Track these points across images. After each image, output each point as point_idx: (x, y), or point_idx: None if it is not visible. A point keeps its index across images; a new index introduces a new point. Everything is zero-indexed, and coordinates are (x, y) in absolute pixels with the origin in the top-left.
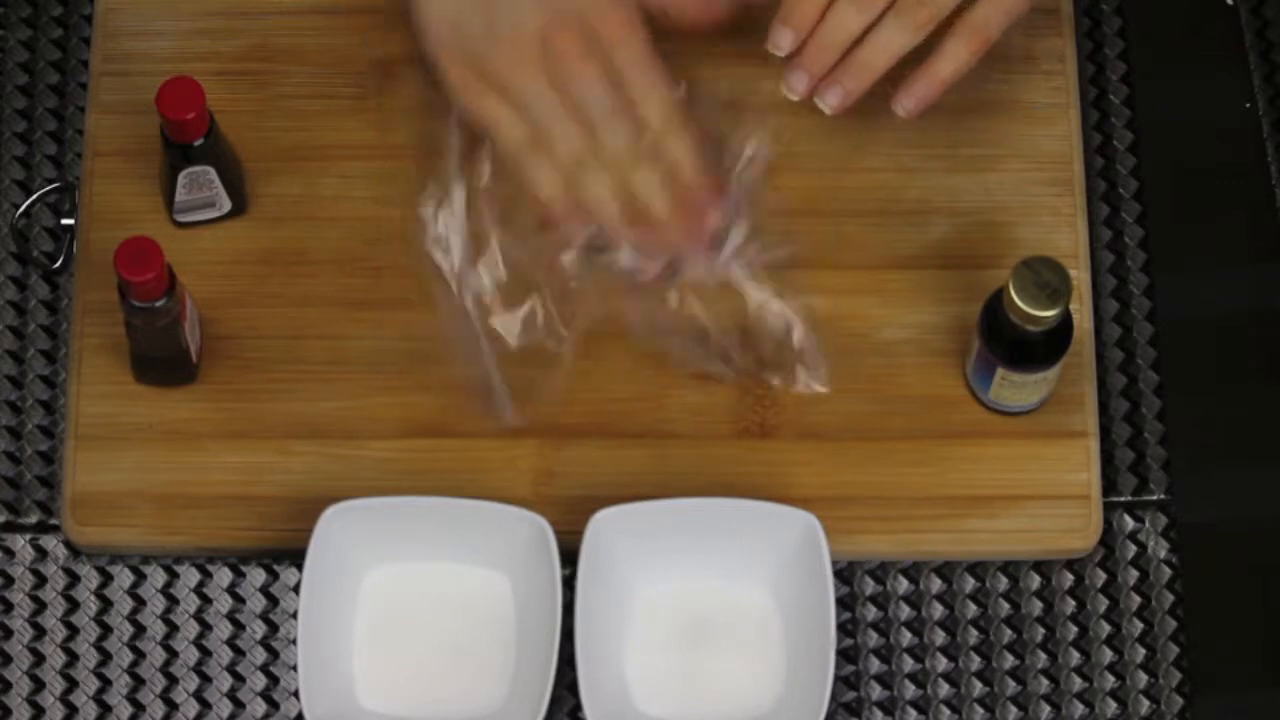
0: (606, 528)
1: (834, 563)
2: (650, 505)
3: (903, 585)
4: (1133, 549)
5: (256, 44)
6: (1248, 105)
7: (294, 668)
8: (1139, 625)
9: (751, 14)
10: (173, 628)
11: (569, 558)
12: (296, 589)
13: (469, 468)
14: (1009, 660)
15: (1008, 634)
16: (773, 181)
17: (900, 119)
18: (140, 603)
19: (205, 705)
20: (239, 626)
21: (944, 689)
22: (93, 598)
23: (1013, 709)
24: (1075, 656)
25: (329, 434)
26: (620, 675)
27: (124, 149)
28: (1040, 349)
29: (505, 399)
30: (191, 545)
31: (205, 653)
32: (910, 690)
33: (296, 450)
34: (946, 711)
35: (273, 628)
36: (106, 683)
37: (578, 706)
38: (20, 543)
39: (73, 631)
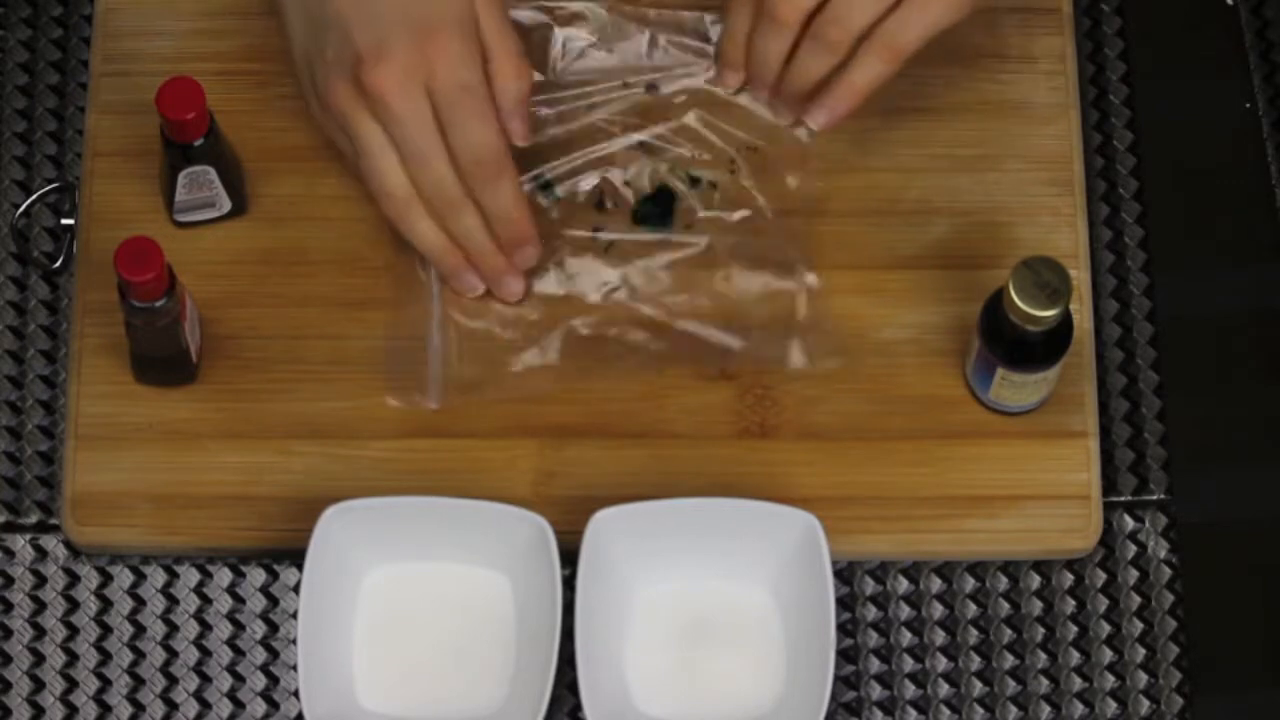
0: (606, 528)
1: (834, 563)
2: (650, 505)
3: (903, 585)
4: (1133, 549)
5: (256, 44)
6: (1248, 105)
7: (294, 668)
8: (1139, 625)
9: None
10: (173, 628)
11: (569, 558)
12: (296, 589)
13: (469, 468)
14: (1009, 660)
15: (1008, 634)
16: (774, 181)
17: (899, 120)
18: (140, 603)
19: (205, 705)
20: (239, 626)
21: (944, 689)
22: (93, 598)
23: (1013, 709)
24: (1075, 656)
25: (329, 434)
26: (620, 675)
27: (124, 149)
28: (1040, 349)
29: (438, 383)
30: (191, 545)
31: (205, 653)
32: (910, 690)
33: (296, 450)
34: (946, 711)
35: (273, 628)
36: (106, 683)
37: (578, 706)
38: (20, 543)
39: (73, 631)
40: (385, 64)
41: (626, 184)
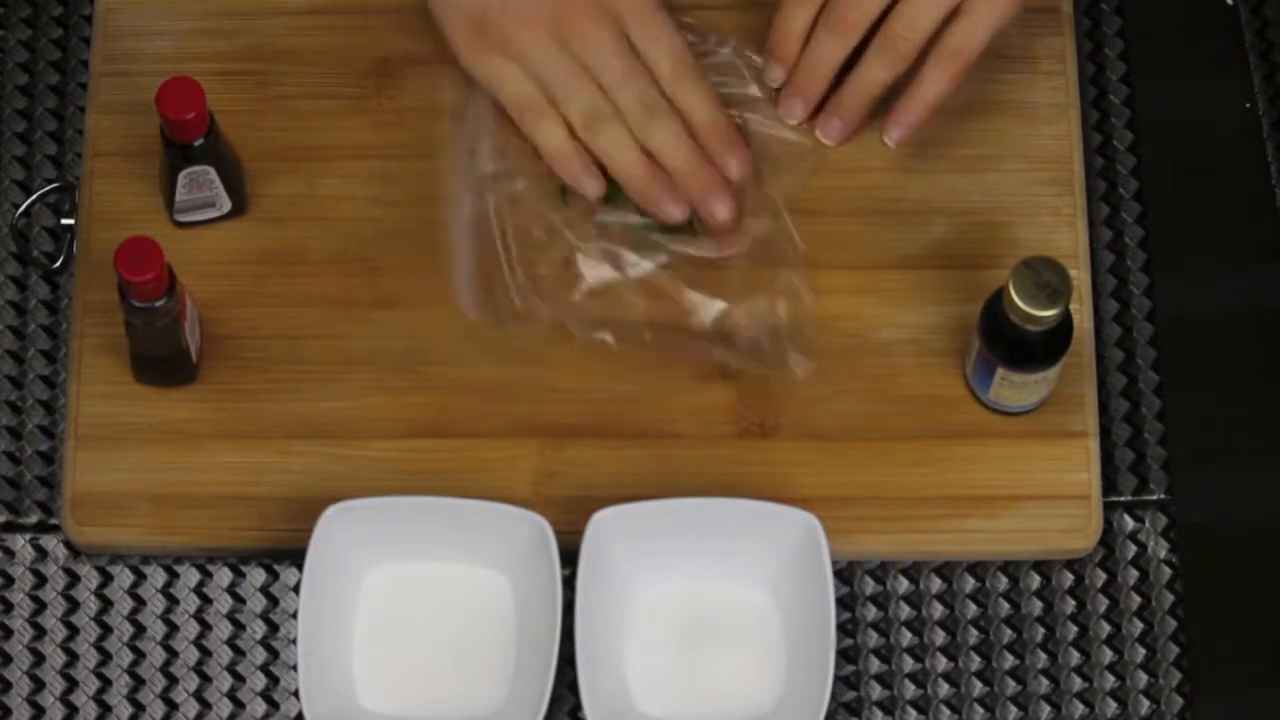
0: (606, 528)
1: (834, 563)
2: (650, 505)
3: (903, 585)
4: (1133, 549)
5: (256, 44)
6: (1248, 105)
7: (294, 668)
8: (1139, 625)
9: None
10: (173, 628)
11: (569, 558)
12: (296, 589)
13: (469, 468)
14: (1009, 660)
15: (1008, 634)
16: (773, 181)
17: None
18: (140, 603)
19: (205, 705)
20: (239, 626)
21: (944, 689)
22: (93, 598)
23: (1013, 709)
24: (1075, 656)
25: (329, 434)
26: (620, 675)
27: (124, 149)
28: (1040, 349)
29: (515, 290)
30: (191, 545)
31: (205, 653)
32: (910, 690)
33: (296, 450)
34: (946, 711)
35: (273, 628)
36: (106, 683)
37: (578, 706)
38: (20, 543)
39: (73, 631)
40: (581, 6)
41: None
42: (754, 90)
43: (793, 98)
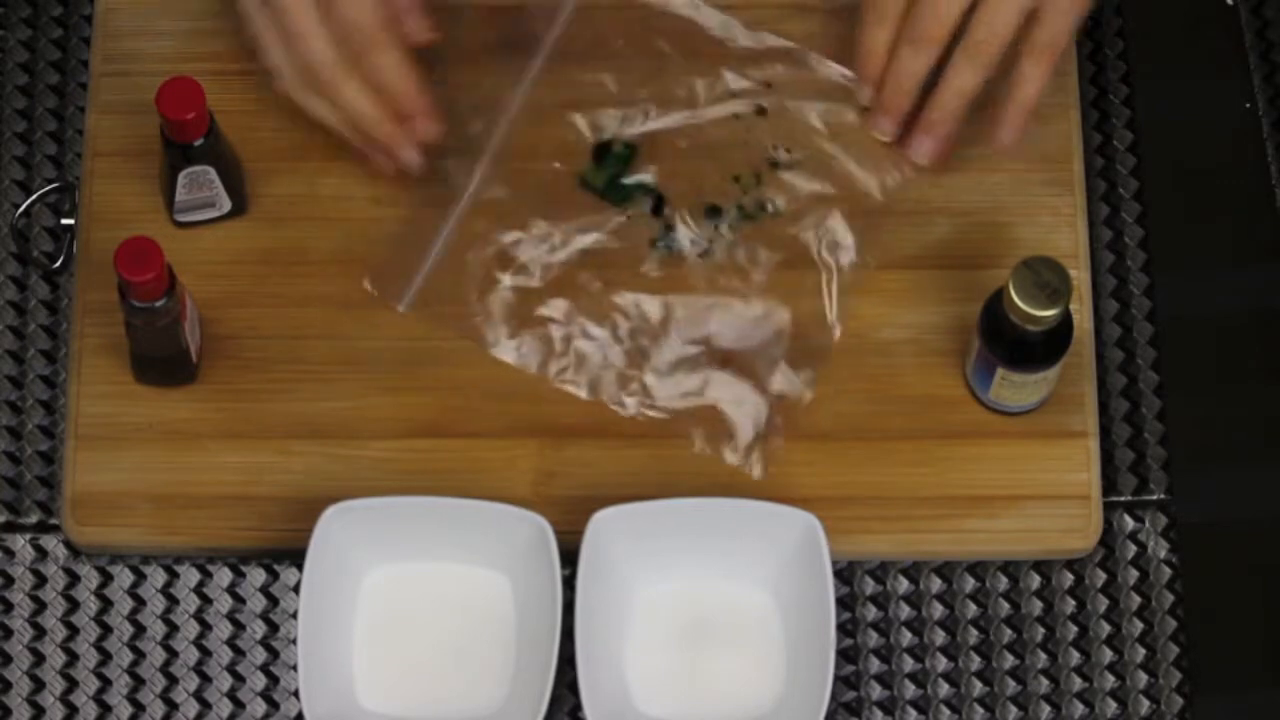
0: (606, 528)
1: (834, 563)
2: (650, 505)
3: (903, 585)
4: (1133, 549)
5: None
6: (1248, 105)
7: (294, 668)
8: (1139, 625)
9: None
10: (173, 628)
11: (569, 558)
12: (296, 589)
13: (469, 468)
14: (1009, 660)
15: (1008, 634)
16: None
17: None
18: (140, 603)
19: (205, 705)
20: (239, 626)
21: (944, 689)
22: (93, 598)
23: (1013, 709)
24: (1075, 656)
25: (329, 434)
26: (620, 675)
27: (124, 149)
28: (1040, 349)
29: (414, 287)
30: (191, 545)
31: (205, 653)
32: (910, 690)
33: (296, 450)
34: (946, 711)
35: (273, 628)
36: (106, 683)
37: (578, 706)
38: (20, 543)
39: (73, 631)
40: None
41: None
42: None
43: (881, 115)
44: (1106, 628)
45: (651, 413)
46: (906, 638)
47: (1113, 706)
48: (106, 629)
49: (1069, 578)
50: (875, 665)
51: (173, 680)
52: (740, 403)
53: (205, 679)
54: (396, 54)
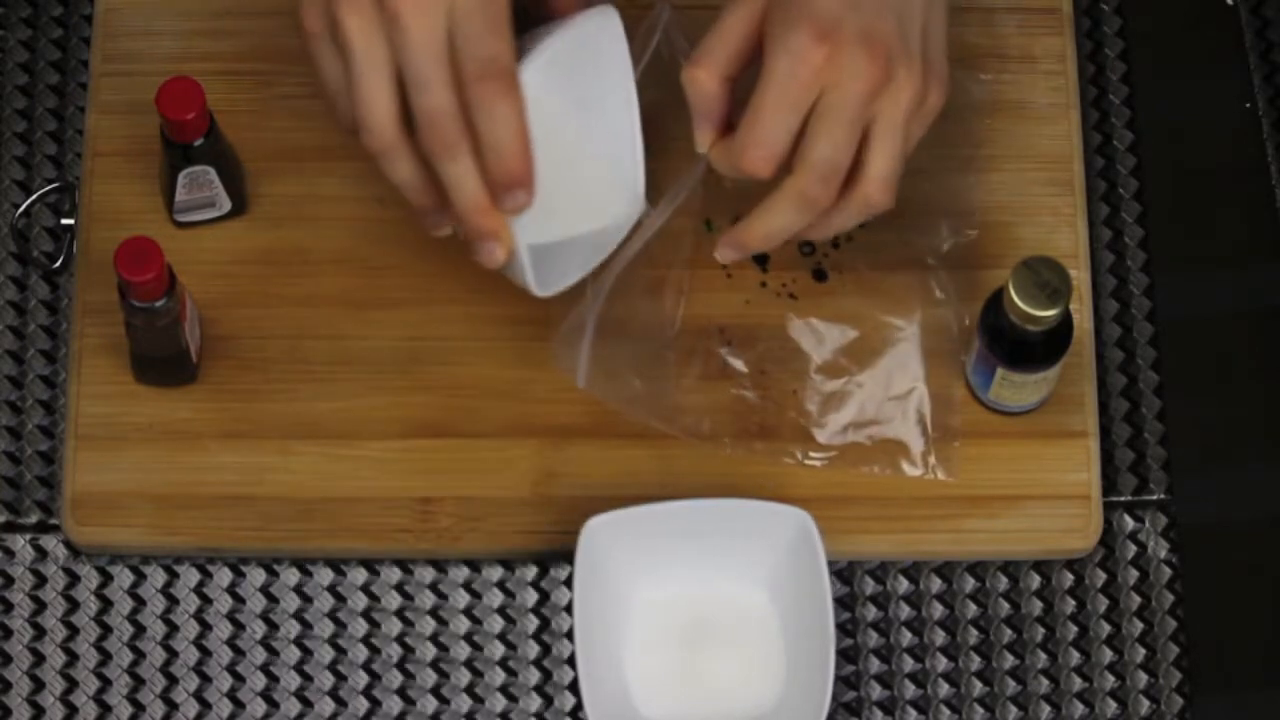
0: (600, 534)
1: (834, 563)
2: (642, 510)
3: (903, 585)
4: (1133, 549)
5: (256, 44)
6: (1248, 105)
7: (294, 668)
8: (1139, 625)
9: None
10: (173, 628)
11: (569, 558)
12: (296, 589)
13: (469, 468)
14: (1009, 660)
15: (1008, 634)
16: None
17: None
18: (140, 603)
19: (205, 705)
20: (239, 626)
21: (944, 689)
22: (93, 598)
23: (1013, 709)
24: (1075, 656)
25: (329, 434)
26: (621, 677)
27: (124, 149)
28: (1040, 349)
29: (585, 365)
30: (191, 545)
31: (205, 653)
32: (910, 690)
33: (296, 450)
34: (946, 711)
35: (273, 627)
36: (106, 683)
37: (578, 707)
38: (20, 543)
39: (73, 631)
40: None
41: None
42: None
43: (729, 248)
44: (1106, 628)
45: (817, 456)
46: (906, 638)
47: (1113, 706)
48: (106, 629)
49: (1069, 578)
50: (875, 665)
51: (173, 680)
52: (902, 417)
53: (205, 679)
54: (517, 103)
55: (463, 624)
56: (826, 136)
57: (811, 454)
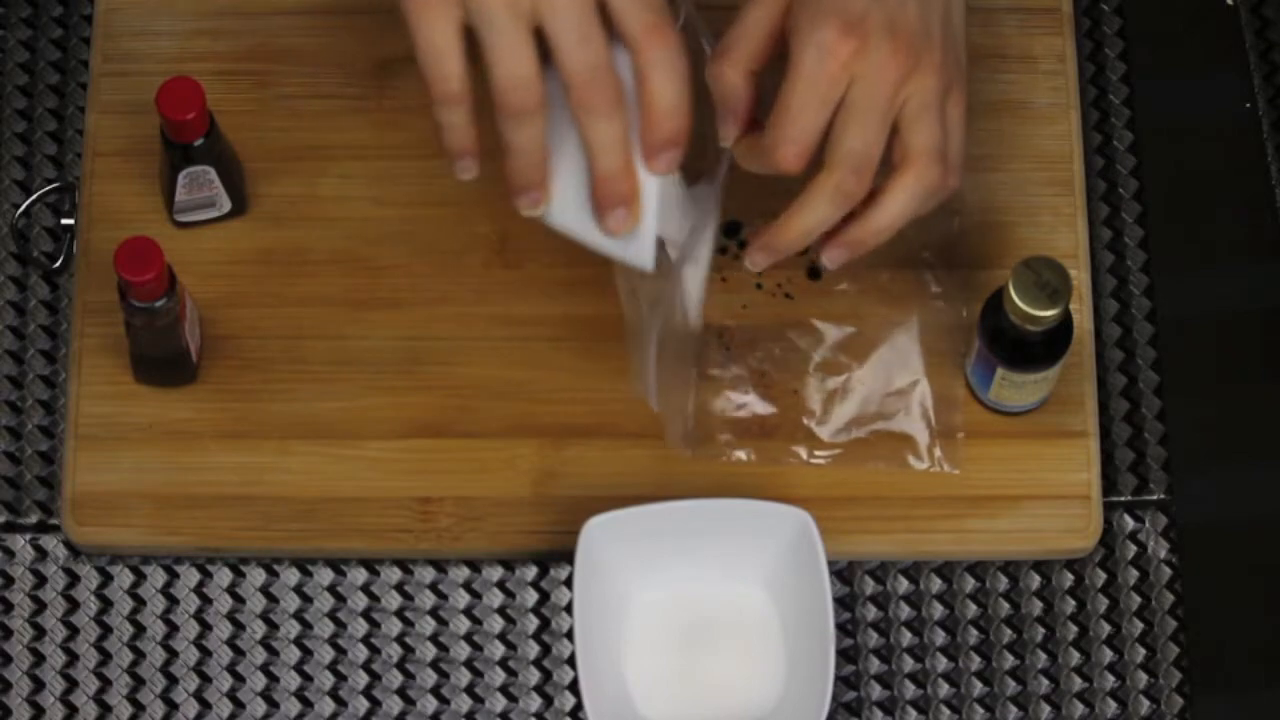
0: (600, 534)
1: (834, 563)
2: (641, 510)
3: (903, 585)
4: (1133, 549)
5: (256, 44)
6: (1248, 105)
7: (294, 667)
8: (1139, 625)
9: None
10: (173, 628)
11: (569, 558)
12: (296, 589)
13: (469, 468)
14: (1009, 660)
15: (1008, 634)
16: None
17: None
18: (140, 603)
19: (205, 705)
20: (239, 626)
21: (944, 689)
22: (93, 598)
23: (1013, 709)
24: (1075, 656)
25: (329, 434)
26: (621, 677)
27: (124, 149)
28: (1040, 349)
29: (654, 388)
30: (191, 545)
31: (205, 653)
32: (910, 690)
33: (296, 450)
34: (946, 711)
35: (272, 627)
36: (106, 683)
37: (578, 707)
38: (20, 543)
39: (73, 631)
40: None
41: None
42: None
43: (760, 253)
44: (1106, 628)
45: (822, 454)
46: (906, 638)
47: (1113, 706)
48: (106, 629)
49: (1069, 578)
50: (875, 665)
51: (173, 680)
52: (905, 411)
53: (205, 679)
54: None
55: (463, 624)
56: (857, 129)
57: (816, 452)
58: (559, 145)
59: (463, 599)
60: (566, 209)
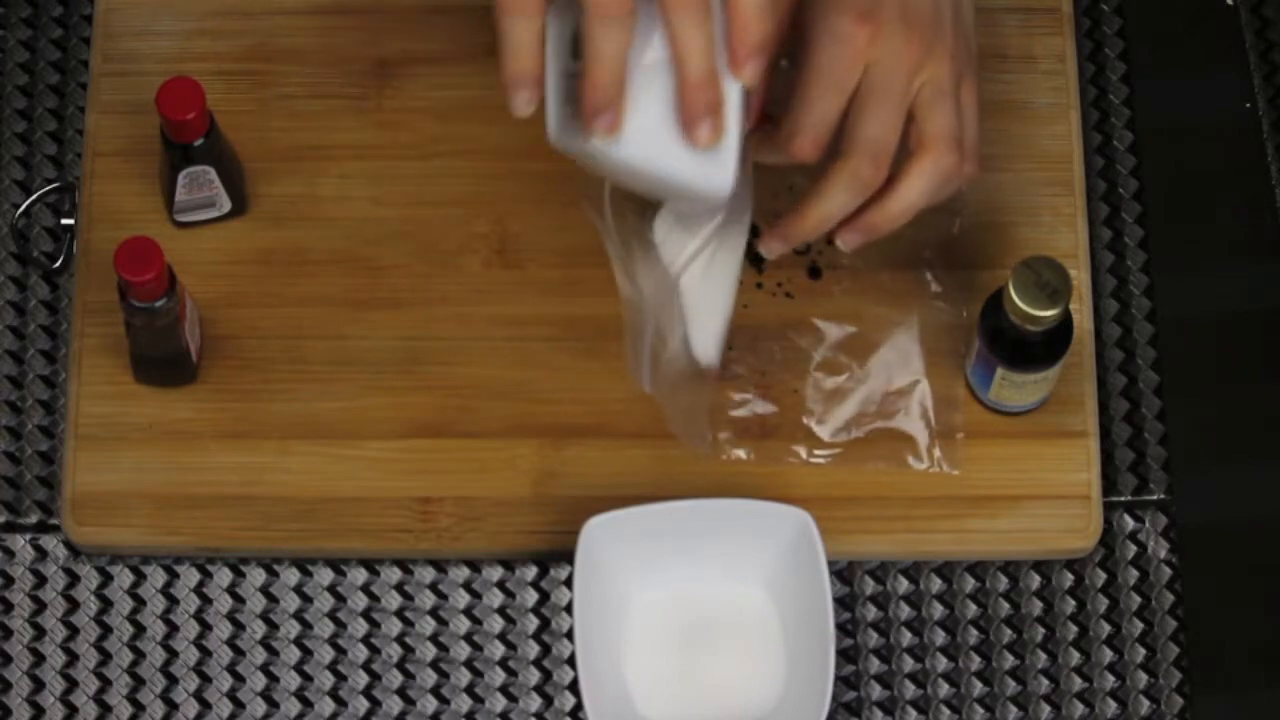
0: (600, 534)
1: (834, 563)
2: (641, 510)
3: (903, 585)
4: (1133, 549)
5: (256, 44)
6: (1248, 105)
7: (294, 667)
8: (1139, 625)
9: None
10: (173, 628)
11: (569, 558)
12: (296, 589)
13: (469, 468)
14: (1009, 660)
15: (1008, 634)
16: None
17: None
18: (140, 603)
19: (205, 705)
20: (239, 626)
21: (944, 689)
22: (93, 598)
23: (1013, 709)
24: (1075, 656)
25: (329, 434)
26: (620, 677)
27: (124, 149)
28: (1040, 349)
29: (647, 371)
30: (191, 545)
31: (205, 653)
32: (910, 690)
33: (296, 450)
34: (946, 711)
35: (272, 627)
36: (106, 683)
37: (578, 707)
38: (20, 543)
39: (73, 631)
40: None
41: None
42: None
43: (776, 240)
44: (1106, 628)
45: (822, 454)
46: (906, 638)
47: (1113, 706)
48: (106, 629)
49: (1069, 578)
50: (875, 665)
51: (173, 680)
52: (905, 411)
53: (205, 679)
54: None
55: (463, 624)
56: (874, 116)
57: (816, 452)
58: (630, 71)
59: (463, 599)
60: (639, 134)
